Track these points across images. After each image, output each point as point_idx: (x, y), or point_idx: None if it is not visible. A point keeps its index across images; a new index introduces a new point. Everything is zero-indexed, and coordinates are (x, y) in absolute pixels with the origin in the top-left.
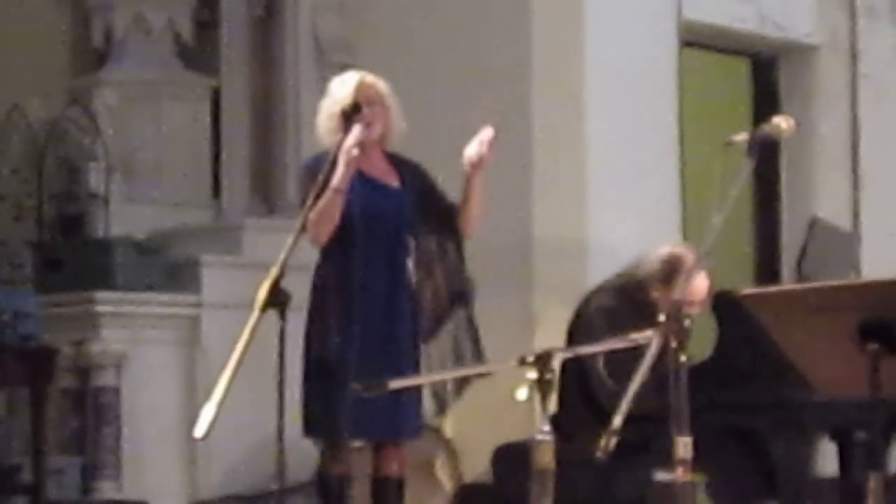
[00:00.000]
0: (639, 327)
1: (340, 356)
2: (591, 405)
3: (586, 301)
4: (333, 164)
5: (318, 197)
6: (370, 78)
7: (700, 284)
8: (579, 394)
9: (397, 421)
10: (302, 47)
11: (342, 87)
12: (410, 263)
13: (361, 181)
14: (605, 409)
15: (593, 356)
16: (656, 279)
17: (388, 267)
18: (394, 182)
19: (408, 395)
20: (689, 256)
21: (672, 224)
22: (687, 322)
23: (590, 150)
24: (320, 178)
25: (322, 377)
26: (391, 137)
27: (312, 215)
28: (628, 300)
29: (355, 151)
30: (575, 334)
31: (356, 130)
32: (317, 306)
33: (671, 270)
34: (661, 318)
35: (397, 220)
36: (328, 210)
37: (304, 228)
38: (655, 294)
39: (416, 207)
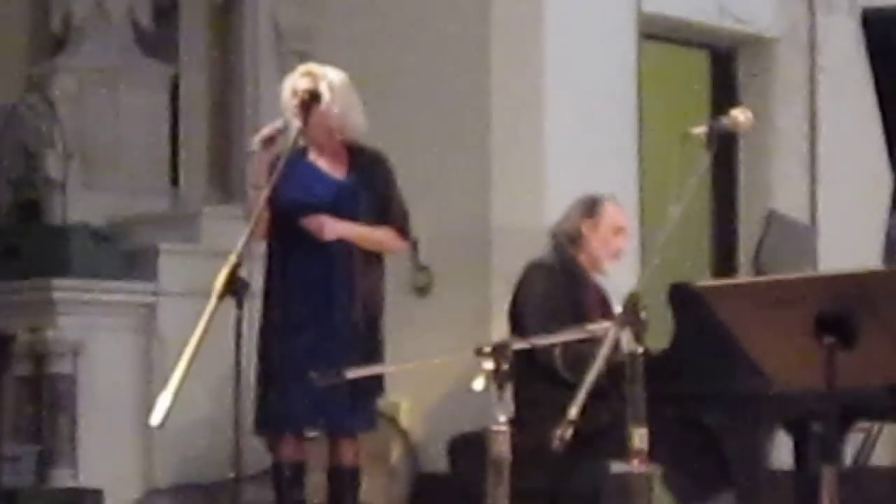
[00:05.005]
0: (576, 284)
1: (279, 347)
2: (547, 394)
3: (522, 272)
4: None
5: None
6: (317, 69)
7: (620, 209)
8: (536, 383)
9: (341, 412)
10: (261, 35)
11: (288, 81)
12: (355, 253)
13: (306, 171)
14: (561, 398)
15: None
16: (581, 215)
17: (324, 257)
18: (339, 173)
19: (351, 386)
20: (603, 193)
21: (630, 216)
22: (644, 313)
23: (548, 140)
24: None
25: (265, 369)
26: (346, 131)
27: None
28: (561, 259)
29: (255, 146)
30: (516, 301)
31: (266, 128)
32: (264, 295)
33: (591, 203)
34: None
35: (332, 211)
36: (251, 206)
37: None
38: (585, 231)
39: (365, 198)
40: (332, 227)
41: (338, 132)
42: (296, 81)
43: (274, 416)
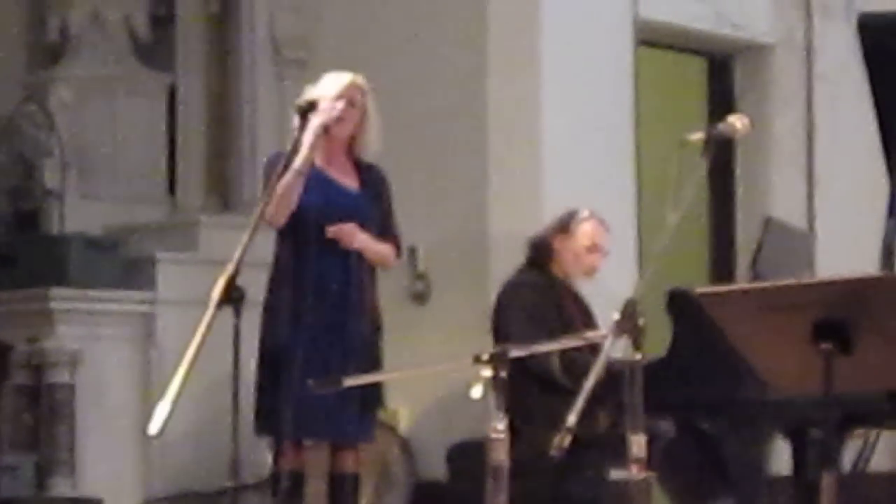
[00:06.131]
0: (557, 295)
1: (289, 352)
2: (545, 402)
3: (503, 288)
4: (294, 150)
5: (278, 180)
6: (362, 81)
7: (596, 227)
8: (533, 391)
9: (348, 423)
10: (258, 44)
11: (331, 81)
12: (364, 264)
13: (320, 180)
14: (558, 406)
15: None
16: (555, 230)
17: (341, 266)
18: (353, 184)
19: (359, 397)
20: (583, 210)
21: (628, 222)
22: (642, 320)
23: (546, 148)
24: (282, 162)
25: (271, 372)
26: (362, 147)
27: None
28: (540, 272)
29: (321, 130)
30: (499, 317)
31: (323, 115)
32: (270, 301)
33: (567, 218)
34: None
35: (352, 221)
36: (288, 191)
37: (262, 217)
38: (557, 245)
39: (375, 211)
40: (359, 237)
41: (360, 146)
42: (345, 89)
43: (283, 424)
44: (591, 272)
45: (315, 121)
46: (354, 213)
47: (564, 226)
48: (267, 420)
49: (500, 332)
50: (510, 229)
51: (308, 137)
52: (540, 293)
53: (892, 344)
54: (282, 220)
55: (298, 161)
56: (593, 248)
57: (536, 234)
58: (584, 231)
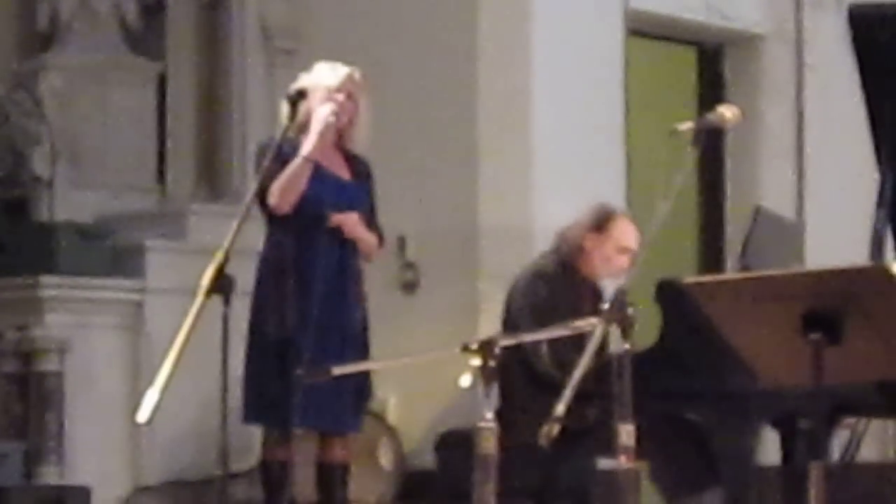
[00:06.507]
0: (575, 292)
1: (293, 342)
2: (534, 392)
3: (521, 274)
4: (285, 136)
5: (274, 166)
6: (359, 76)
7: (630, 229)
8: (523, 380)
9: (341, 412)
10: (248, 33)
11: (330, 73)
12: (357, 254)
13: (317, 170)
14: (548, 397)
15: (537, 342)
16: (588, 228)
17: (337, 256)
18: (345, 175)
19: (353, 386)
20: (617, 208)
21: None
22: (631, 310)
23: (536, 138)
24: (274, 148)
25: (270, 362)
26: (353, 140)
27: (279, 183)
28: (563, 265)
29: (332, 119)
30: (512, 304)
31: (332, 105)
32: (265, 292)
33: (602, 217)
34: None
35: (351, 211)
36: (296, 177)
37: (261, 198)
38: (588, 245)
39: (366, 202)
40: (359, 227)
41: (350, 139)
42: (345, 82)
43: (291, 414)
44: (619, 274)
45: (324, 110)
46: (352, 203)
47: (599, 225)
48: (265, 410)
49: (509, 321)
50: (500, 218)
51: (317, 126)
52: (557, 288)
53: (881, 334)
54: (287, 206)
55: (307, 148)
56: (625, 251)
57: (570, 227)
58: (618, 233)
